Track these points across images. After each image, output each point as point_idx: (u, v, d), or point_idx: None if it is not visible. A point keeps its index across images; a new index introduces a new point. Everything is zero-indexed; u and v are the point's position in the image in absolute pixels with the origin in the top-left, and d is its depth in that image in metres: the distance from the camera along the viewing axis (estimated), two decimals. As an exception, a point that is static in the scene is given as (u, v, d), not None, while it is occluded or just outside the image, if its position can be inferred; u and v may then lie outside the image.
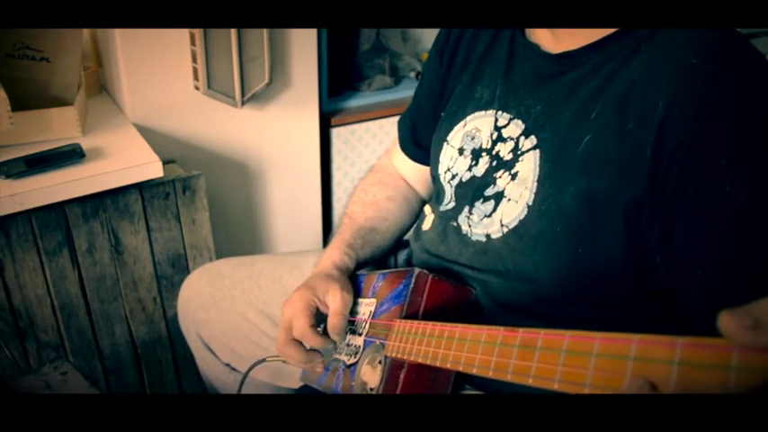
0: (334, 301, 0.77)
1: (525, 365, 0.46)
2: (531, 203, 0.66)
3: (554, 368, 0.43)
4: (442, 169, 0.80)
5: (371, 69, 1.79)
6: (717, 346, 0.32)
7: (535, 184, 0.66)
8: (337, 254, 0.84)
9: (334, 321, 0.76)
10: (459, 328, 0.57)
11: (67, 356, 1.20)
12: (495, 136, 0.72)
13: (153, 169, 1.13)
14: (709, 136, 0.54)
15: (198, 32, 1.24)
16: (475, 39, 0.80)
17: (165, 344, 1.32)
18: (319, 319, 0.78)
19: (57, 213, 1.08)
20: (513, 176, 0.69)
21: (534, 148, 0.67)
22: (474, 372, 0.52)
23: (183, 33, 1.28)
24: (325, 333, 0.77)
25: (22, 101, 1.13)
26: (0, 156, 1.07)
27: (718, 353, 0.32)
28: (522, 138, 0.69)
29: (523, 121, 0.69)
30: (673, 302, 0.62)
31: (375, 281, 0.79)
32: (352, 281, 0.82)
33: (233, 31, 1.26)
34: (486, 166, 0.73)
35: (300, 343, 0.77)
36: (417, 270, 0.71)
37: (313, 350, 0.78)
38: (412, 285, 0.70)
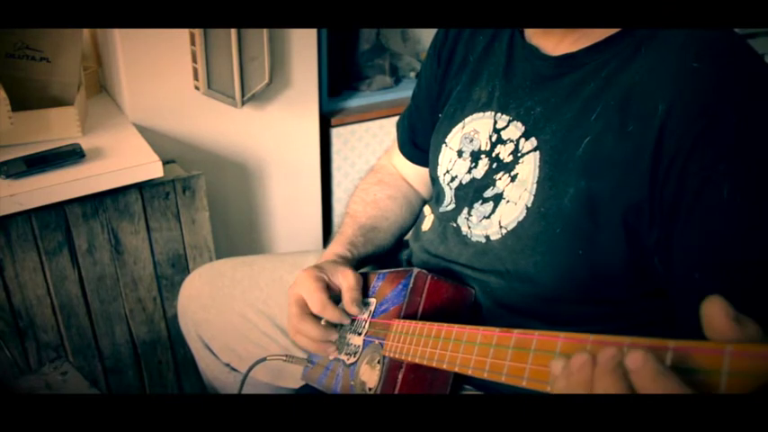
0: (347, 279, 0.77)
1: (519, 367, 0.46)
2: (530, 205, 0.66)
3: (546, 370, 0.43)
4: (441, 171, 0.80)
5: (371, 69, 1.79)
6: (708, 350, 0.33)
7: (535, 185, 0.66)
8: (339, 248, 0.85)
9: (351, 295, 0.76)
10: (455, 329, 0.57)
11: (67, 356, 1.20)
12: (494, 138, 0.72)
13: (153, 169, 1.14)
14: (708, 140, 0.54)
15: (198, 32, 1.24)
16: (473, 39, 0.80)
17: (165, 344, 1.32)
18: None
19: (57, 213, 1.09)
20: (513, 178, 0.69)
21: (534, 149, 0.67)
22: (469, 373, 0.52)
23: (183, 33, 1.28)
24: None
25: (22, 101, 1.13)
26: (0, 156, 1.07)
27: (710, 356, 0.32)
28: (522, 140, 0.69)
29: (523, 123, 0.69)
30: (671, 303, 0.62)
31: (375, 281, 0.79)
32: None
33: (233, 31, 1.26)
34: (486, 168, 0.73)
35: (316, 319, 0.77)
36: (416, 270, 0.71)
37: (328, 326, 0.77)
38: (411, 285, 0.70)
